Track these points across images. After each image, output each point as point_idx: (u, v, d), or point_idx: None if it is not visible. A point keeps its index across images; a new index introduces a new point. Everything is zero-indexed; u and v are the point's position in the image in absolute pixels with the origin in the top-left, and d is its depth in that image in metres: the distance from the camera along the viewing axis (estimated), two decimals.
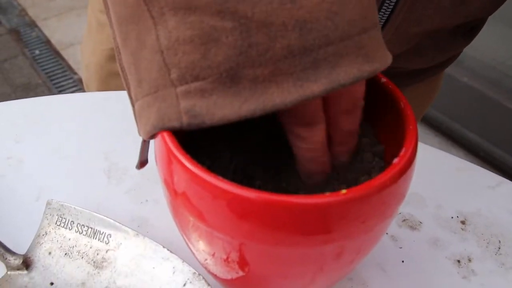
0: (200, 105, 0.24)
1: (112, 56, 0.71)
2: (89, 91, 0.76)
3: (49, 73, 1.95)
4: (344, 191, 0.24)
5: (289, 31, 0.22)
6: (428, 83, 0.64)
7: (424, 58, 0.55)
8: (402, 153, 0.27)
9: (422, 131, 1.72)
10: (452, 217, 0.45)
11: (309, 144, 0.28)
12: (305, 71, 0.23)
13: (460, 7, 0.46)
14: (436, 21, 0.47)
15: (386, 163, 0.33)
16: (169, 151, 0.27)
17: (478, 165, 0.50)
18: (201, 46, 0.23)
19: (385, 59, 0.25)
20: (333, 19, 0.23)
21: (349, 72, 0.23)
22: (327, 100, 0.27)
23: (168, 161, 0.27)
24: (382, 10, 0.45)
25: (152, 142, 0.30)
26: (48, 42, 2.14)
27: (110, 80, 0.73)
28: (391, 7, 0.44)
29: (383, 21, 0.46)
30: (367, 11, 0.24)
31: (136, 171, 0.46)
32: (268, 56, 0.22)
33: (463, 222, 0.44)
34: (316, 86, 0.23)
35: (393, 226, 0.43)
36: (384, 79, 0.32)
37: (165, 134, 0.28)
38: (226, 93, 0.23)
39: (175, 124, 0.25)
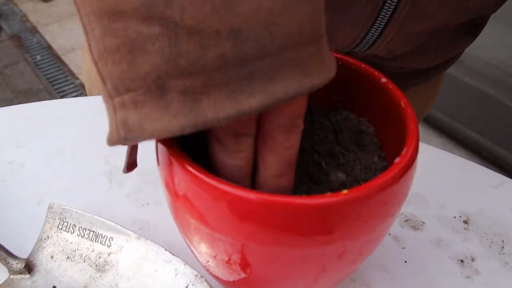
0: (133, 118, 0.22)
1: None
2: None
3: (50, 78, 1.96)
4: (345, 191, 0.24)
5: (223, 39, 0.20)
6: (429, 83, 0.64)
7: (427, 58, 0.55)
8: (403, 152, 0.27)
9: (424, 131, 1.72)
10: (455, 217, 0.45)
11: (233, 157, 0.25)
12: (240, 83, 0.21)
13: (463, 2, 0.45)
14: (440, 18, 0.47)
15: (387, 163, 0.32)
16: (169, 153, 0.27)
17: (481, 164, 0.50)
18: (127, 55, 0.21)
19: (327, 74, 0.23)
20: (270, 29, 0.21)
21: (288, 86, 0.22)
22: (261, 114, 0.24)
23: (169, 163, 0.27)
24: (385, 8, 0.45)
25: (150, 145, 0.30)
26: (49, 47, 2.15)
27: None
28: (394, 4, 0.44)
29: (386, 18, 0.46)
30: (307, 23, 0.22)
31: (137, 174, 0.46)
32: (199, 65, 0.21)
33: (466, 222, 0.44)
34: (252, 99, 0.21)
35: (396, 227, 0.43)
36: (384, 79, 0.32)
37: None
38: (156, 105, 0.22)
39: (115, 137, 0.24)
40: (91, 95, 0.78)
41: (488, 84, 1.58)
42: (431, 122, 1.72)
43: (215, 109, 0.21)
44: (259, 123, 0.25)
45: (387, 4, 0.44)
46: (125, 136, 0.23)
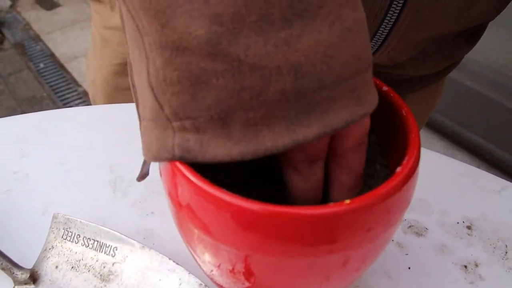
0: (194, 141, 0.24)
1: (117, 71, 0.72)
2: None
3: (53, 86, 1.97)
4: (347, 201, 0.24)
5: (284, 74, 0.21)
6: (429, 89, 0.64)
7: (428, 64, 0.55)
8: (405, 161, 0.27)
9: (426, 135, 1.72)
10: (458, 223, 0.45)
11: (308, 182, 0.27)
12: (298, 116, 0.22)
13: (465, 12, 0.46)
14: (441, 27, 0.47)
15: (389, 171, 0.33)
16: (172, 164, 0.27)
17: (484, 168, 0.50)
18: (190, 88, 0.22)
19: (375, 101, 0.25)
20: (328, 63, 0.22)
21: (341, 116, 0.23)
22: (332, 138, 0.26)
23: (172, 174, 0.27)
24: (386, 18, 0.45)
25: None
26: (52, 55, 2.15)
27: (116, 95, 0.73)
28: (396, 14, 0.44)
29: (388, 28, 0.46)
30: (361, 52, 0.23)
31: (141, 183, 0.46)
32: (261, 99, 0.22)
33: (469, 227, 0.44)
34: (309, 130, 0.22)
35: (399, 233, 0.43)
36: (386, 87, 0.32)
37: None
38: (218, 133, 0.23)
39: (167, 155, 0.25)
40: (94, 103, 0.78)
41: (489, 87, 1.58)
42: (433, 125, 1.72)
43: (274, 139, 0.22)
44: (330, 146, 0.26)
45: (389, 15, 0.45)
46: (181, 155, 0.24)
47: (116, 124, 0.53)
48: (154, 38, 0.23)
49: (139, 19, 0.23)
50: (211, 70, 0.22)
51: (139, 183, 0.46)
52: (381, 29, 0.46)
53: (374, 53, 0.50)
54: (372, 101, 0.24)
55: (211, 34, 0.21)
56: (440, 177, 0.49)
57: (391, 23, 0.45)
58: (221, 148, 0.23)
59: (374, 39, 0.48)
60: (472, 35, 0.54)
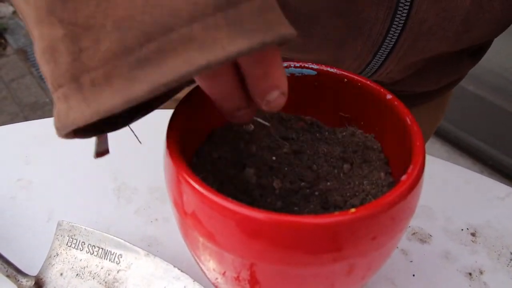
0: (62, 109, 0.24)
1: None
2: None
3: None
4: (353, 210, 0.24)
5: (109, 32, 0.22)
6: (435, 103, 0.64)
7: (430, 81, 0.55)
8: (409, 170, 0.27)
9: (429, 140, 1.71)
10: (462, 229, 0.45)
11: (215, 93, 0.27)
12: (132, 72, 0.22)
13: (465, 35, 0.46)
14: (440, 49, 0.47)
15: (394, 178, 0.33)
16: (177, 172, 0.27)
17: (486, 173, 0.50)
18: (51, 57, 0.23)
19: (225, 48, 0.22)
20: (152, 13, 0.21)
21: (176, 68, 0.21)
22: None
23: (177, 182, 0.28)
24: (385, 43, 0.45)
25: (158, 162, 0.31)
26: None
27: None
28: (394, 39, 0.45)
29: (387, 52, 0.46)
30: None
31: (145, 190, 0.46)
32: (97, 59, 0.22)
33: (473, 234, 0.44)
34: (140, 87, 0.22)
35: (403, 240, 0.43)
36: (390, 95, 0.32)
37: (174, 156, 0.28)
38: (77, 98, 0.23)
39: (56, 125, 0.26)
40: None
41: (492, 92, 1.58)
42: (436, 131, 1.71)
43: (112, 98, 0.23)
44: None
45: (387, 40, 0.45)
46: (57, 126, 0.25)
47: (120, 131, 0.53)
48: (31, 16, 0.24)
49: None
50: (56, 37, 0.23)
51: (143, 190, 0.46)
52: (379, 53, 0.47)
53: (372, 75, 0.50)
54: (219, 49, 0.22)
55: (48, 3, 0.23)
56: (445, 184, 0.49)
57: (389, 47, 0.46)
58: (77, 112, 0.24)
59: (373, 62, 0.48)
60: (476, 51, 0.54)
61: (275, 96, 0.26)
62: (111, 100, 0.23)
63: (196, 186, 0.26)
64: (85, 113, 0.23)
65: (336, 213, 0.24)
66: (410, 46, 0.45)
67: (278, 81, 0.26)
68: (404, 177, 0.26)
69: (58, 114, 0.25)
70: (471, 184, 0.49)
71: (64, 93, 0.24)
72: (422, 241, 0.43)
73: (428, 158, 0.42)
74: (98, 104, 0.23)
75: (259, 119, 0.36)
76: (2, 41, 2.30)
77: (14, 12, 2.51)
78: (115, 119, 0.30)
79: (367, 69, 0.49)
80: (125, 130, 0.53)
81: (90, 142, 0.52)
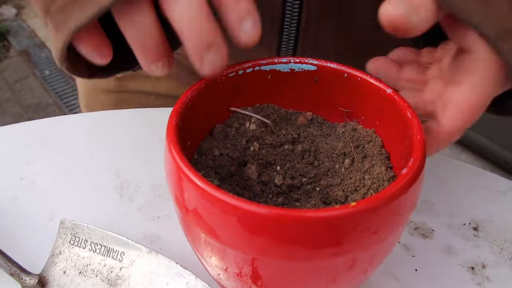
0: (52, 40, 0.30)
1: None
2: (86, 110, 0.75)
3: (59, 93, 1.98)
4: (353, 203, 0.24)
5: None
6: None
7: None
8: (410, 163, 0.27)
9: None
10: (464, 224, 0.45)
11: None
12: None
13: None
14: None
15: (395, 173, 0.33)
16: (178, 169, 0.27)
17: (489, 169, 0.50)
18: None
19: None
20: None
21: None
22: None
23: (178, 178, 0.28)
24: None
25: (159, 159, 0.31)
26: None
27: (97, 95, 0.72)
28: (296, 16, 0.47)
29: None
30: None
31: (147, 188, 0.46)
32: None
33: (475, 229, 0.44)
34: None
35: (405, 235, 0.43)
36: (390, 90, 0.32)
37: (174, 152, 0.28)
38: (52, 25, 0.30)
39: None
40: (82, 108, 0.78)
41: None
42: None
43: (81, 14, 0.27)
44: None
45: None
46: (55, 57, 0.31)
47: (121, 130, 0.53)
48: None
49: None
50: None
51: (145, 188, 0.47)
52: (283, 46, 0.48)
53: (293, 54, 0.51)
54: None
55: None
56: (446, 179, 0.49)
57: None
58: (57, 38, 0.29)
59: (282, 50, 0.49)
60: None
61: (250, 26, 0.27)
62: (75, 17, 0.27)
63: (198, 182, 0.26)
64: (60, 37, 0.28)
65: (337, 206, 0.24)
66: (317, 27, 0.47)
67: (250, 7, 0.27)
68: (404, 171, 0.26)
69: (52, 46, 0.30)
70: (473, 179, 0.49)
71: (46, 24, 0.30)
72: (425, 236, 0.43)
73: None
74: (66, 25, 0.28)
75: (259, 116, 0.36)
76: (5, 43, 2.31)
77: (17, 14, 2.51)
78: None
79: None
80: (127, 129, 0.53)
81: (91, 141, 0.52)
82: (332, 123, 0.37)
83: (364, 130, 0.36)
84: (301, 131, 0.37)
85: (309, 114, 0.37)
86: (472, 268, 0.41)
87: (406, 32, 0.27)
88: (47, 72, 2.11)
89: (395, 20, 0.27)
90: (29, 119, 1.81)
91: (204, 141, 0.35)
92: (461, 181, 0.49)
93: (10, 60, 2.20)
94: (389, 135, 0.34)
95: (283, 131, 0.37)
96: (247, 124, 0.36)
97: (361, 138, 0.35)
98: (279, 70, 0.35)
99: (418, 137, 0.29)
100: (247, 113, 0.36)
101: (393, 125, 0.32)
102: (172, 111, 0.31)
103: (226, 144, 0.35)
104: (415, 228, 0.44)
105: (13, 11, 2.55)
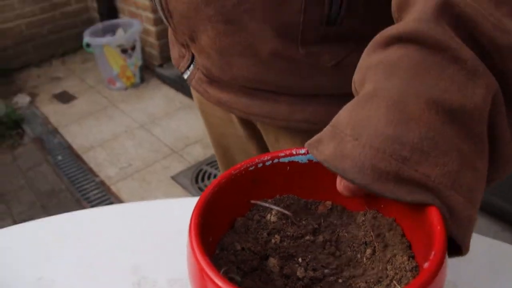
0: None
1: None
2: None
3: (71, 178, 2.00)
4: None
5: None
6: None
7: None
8: (432, 257, 0.27)
9: None
10: None
11: None
12: None
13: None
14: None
15: (417, 261, 0.32)
16: (201, 269, 0.27)
17: (508, 232, 0.48)
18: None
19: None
20: None
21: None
22: None
23: (201, 278, 0.28)
24: None
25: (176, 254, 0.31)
26: (69, 147, 2.21)
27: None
28: None
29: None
30: None
31: (165, 283, 0.46)
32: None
33: None
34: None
35: None
36: None
37: (197, 250, 0.28)
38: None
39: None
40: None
41: None
42: None
43: None
44: None
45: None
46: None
47: (138, 223, 0.53)
48: None
49: None
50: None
51: (163, 283, 0.46)
52: None
53: None
54: None
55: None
56: (468, 257, 0.48)
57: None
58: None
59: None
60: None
61: None
62: None
63: (220, 283, 0.26)
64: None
65: None
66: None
67: None
68: (426, 265, 0.26)
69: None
70: (497, 256, 0.48)
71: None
72: None
73: None
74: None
75: (279, 208, 0.36)
76: (19, 130, 2.37)
77: (31, 102, 2.59)
78: None
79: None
80: (144, 223, 0.53)
81: (106, 236, 0.52)
82: (352, 212, 0.37)
83: (384, 219, 0.36)
84: (322, 220, 0.37)
85: (328, 203, 0.38)
86: None
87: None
88: (59, 157, 2.14)
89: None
90: (43, 206, 1.82)
91: (226, 235, 0.35)
92: (484, 258, 0.48)
93: (24, 147, 2.24)
94: (409, 223, 0.34)
95: (304, 222, 0.37)
96: (268, 216, 0.36)
97: (381, 227, 0.35)
98: (298, 162, 0.36)
99: (438, 227, 0.28)
100: (267, 205, 0.36)
101: (412, 213, 0.32)
102: (194, 208, 0.32)
103: (247, 237, 0.35)
104: None
105: (27, 99, 2.63)
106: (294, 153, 0.36)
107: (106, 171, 2.01)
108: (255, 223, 0.36)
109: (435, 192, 0.29)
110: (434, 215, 0.29)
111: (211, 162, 1.96)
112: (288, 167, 0.36)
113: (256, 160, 0.35)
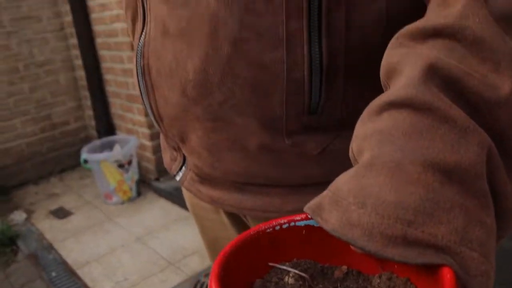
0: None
1: None
2: None
3: None
4: None
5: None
6: None
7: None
8: None
9: None
10: None
11: None
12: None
13: None
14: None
15: None
16: None
17: None
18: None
19: None
20: None
21: None
22: None
23: None
24: None
25: None
26: (64, 262, 2.16)
27: None
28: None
29: None
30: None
31: None
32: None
33: None
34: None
35: None
36: None
37: None
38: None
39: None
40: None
41: None
42: None
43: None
44: None
45: None
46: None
47: None
48: None
49: None
50: None
51: None
52: None
53: None
54: None
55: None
56: None
57: None
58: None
59: None
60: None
61: None
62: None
63: None
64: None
65: None
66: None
67: None
68: None
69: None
70: None
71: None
72: None
73: None
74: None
75: (297, 271, 0.37)
76: (14, 247, 2.33)
77: (27, 218, 2.58)
78: None
79: None
80: None
81: None
82: (367, 275, 0.38)
83: (399, 279, 0.36)
84: (338, 285, 0.38)
85: (344, 268, 0.38)
86: None
87: None
88: (53, 274, 2.09)
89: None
90: None
91: None
92: None
93: (18, 264, 2.20)
94: (423, 283, 0.34)
95: (321, 286, 0.37)
96: (286, 279, 0.36)
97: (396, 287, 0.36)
98: (313, 225, 0.37)
99: (448, 276, 0.29)
100: (285, 268, 0.37)
101: (427, 272, 0.33)
102: (213, 266, 0.32)
103: None
104: None
105: (24, 216, 2.63)
106: (310, 216, 0.37)
107: (102, 286, 1.96)
108: (273, 285, 0.36)
109: (446, 251, 0.30)
110: (445, 274, 0.30)
111: (209, 273, 1.92)
112: (304, 231, 0.37)
113: (274, 222, 0.36)
